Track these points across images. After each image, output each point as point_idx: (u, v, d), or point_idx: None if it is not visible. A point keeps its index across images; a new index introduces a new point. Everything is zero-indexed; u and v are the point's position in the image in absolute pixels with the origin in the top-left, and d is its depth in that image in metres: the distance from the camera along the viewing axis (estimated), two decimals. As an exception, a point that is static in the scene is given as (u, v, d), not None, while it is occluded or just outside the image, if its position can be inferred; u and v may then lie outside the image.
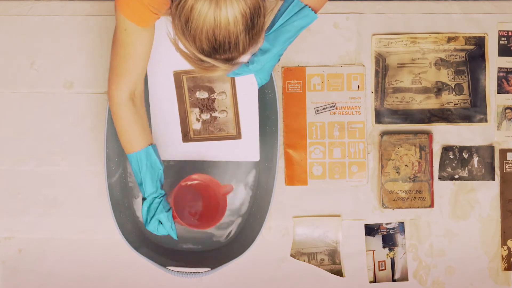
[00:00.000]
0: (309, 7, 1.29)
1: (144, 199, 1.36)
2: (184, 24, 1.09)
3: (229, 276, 1.53)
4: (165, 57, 1.38)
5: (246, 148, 1.45)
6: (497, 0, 1.55)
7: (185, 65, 1.38)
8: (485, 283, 1.54)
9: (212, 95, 1.42)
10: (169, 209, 1.36)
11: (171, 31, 1.14)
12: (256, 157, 1.46)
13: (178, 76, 1.40)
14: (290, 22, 1.29)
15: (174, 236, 1.37)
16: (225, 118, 1.45)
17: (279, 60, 1.34)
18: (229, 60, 1.13)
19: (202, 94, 1.42)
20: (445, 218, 1.54)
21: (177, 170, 1.51)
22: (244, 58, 1.15)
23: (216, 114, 1.44)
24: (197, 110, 1.44)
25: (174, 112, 1.44)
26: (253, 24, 1.10)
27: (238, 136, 1.44)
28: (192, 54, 1.13)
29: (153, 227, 1.35)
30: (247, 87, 1.39)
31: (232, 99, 1.42)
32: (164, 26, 1.35)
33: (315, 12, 1.30)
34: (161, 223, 1.36)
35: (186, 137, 1.46)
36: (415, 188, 1.52)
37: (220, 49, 1.10)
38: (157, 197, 1.35)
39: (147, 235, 1.53)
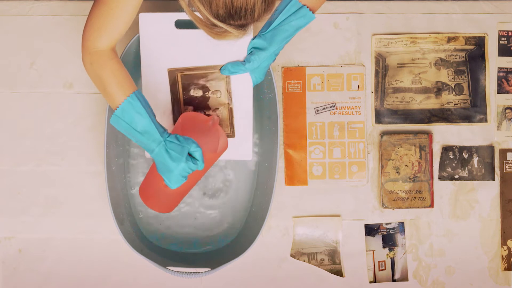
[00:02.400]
0: (307, 7, 1.29)
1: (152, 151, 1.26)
2: None
3: (229, 276, 1.53)
4: (160, 54, 1.37)
5: (239, 146, 1.44)
6: (497, 0, 1.55)
7: (180, 63, 1.39)
8: (485, 283, 1.54)
9: (207, 93, 1.42)
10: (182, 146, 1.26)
11: None
12: (249, 156, 1.44)
13: (172, 74, 1.40)
14: (288, 21, 1.29)
15: (201, 166, 1.26)
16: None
17: (274, 59, 1.34)
18: (242, 27, 1.13)
19: (196, 92, 1.42)
20: (445, 218, 1.54)
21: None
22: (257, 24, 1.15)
23: (210, 112, 1.43)
24: (191, 108, 1.43)
25: (167, 109, 1.44)
26: None
27: (231, 134, 1.44)
28: (206, 18, 1.12)
29: (182, 169, 1.25)
30: (242, 86, 1.39)
31: (226, 97, 1.42)
32: (159, 23, 1.35)
33: (313, 12, 1.30)
34: (192, 157, 1.26)
35: None
36: (415, 188, 1.52)
37: (236, 15, 1.10)
38: (167, 136, 1.26)
39: (147, 235, 1.53)
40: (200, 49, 1.37)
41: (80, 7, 1.54)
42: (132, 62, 1.43)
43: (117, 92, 1.25)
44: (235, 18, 1.11)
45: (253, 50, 1.33)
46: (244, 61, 1.34)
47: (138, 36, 1.39)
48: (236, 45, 1.34)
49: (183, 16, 1.35)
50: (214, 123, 1.33)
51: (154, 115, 1.27)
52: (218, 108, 1.42)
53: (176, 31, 1.36)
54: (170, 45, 1.37)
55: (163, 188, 1.32)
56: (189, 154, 1.27)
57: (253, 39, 1.32)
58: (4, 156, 1.54)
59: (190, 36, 1.36)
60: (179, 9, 1.39)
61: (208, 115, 1.42)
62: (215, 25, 1.13)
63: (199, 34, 1.35)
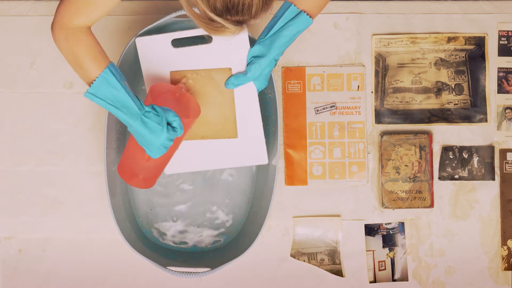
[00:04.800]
0: (305, 13, 1.29)
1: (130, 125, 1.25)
2: None
3: (229, 276, 1.53)
4: (162, 56, 1.38)
5: (254, 152, 1.44)
6: (497, 0, 1.55)
7: (183, 66, 1.39)
8: (485, 283, 1.54)
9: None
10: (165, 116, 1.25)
11: None
12: (265, 160, 1.44)
13: (175, 76, 1.40)
14: (286, 27, 1.30)
15: (179, 132, 1.26)
16: None
17: (275, 65, 1.34)
18: (240, 23, 1.13)
19: None
20: (445, 218, 1.54)
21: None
22: (256, 20, 1.14)
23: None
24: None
25: None
26: None
27: (234, 135, 1.43)
28: (203, 12, 1.12)
29: (164, 139, 1.24)
30: (247, 94, 1.39)
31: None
32: (156, 45, 1.36)
33: (312, 18, 1.30)
34: (172, 127, 1.26)
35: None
36: (415, 188, 1.52)
37: (233, 9, 1.10)
38: (147, 107, 1.25)
39: (147, 235, 1.53)
40: (200, 63, 1.37)
41: None
42: (132, 61, 1.43)
43: (92, 67, 1.22)
44: (232, 13, 1.10)
45: (253, 59, 1.33)
46: (245, 71, 1.34)
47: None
48: (235, 56, 1.34)
49: (179, 35, 1.36)
50: (183, 91, 1.33)
51: (130, 88, 1.25)
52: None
53: (174, 50, 1.37)
54: (170, 64, 1.38)
55: (143, 162, 1.30)
56: (168, 124, 1.26)
57: (251, 47, 1.32)
58: (4, 156, 1.54)
59: (188, 53, 1.36)
60: (177, 10, 1.39)
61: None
62: (212, 20, 1.13)
63: (197, 50, 1.36)
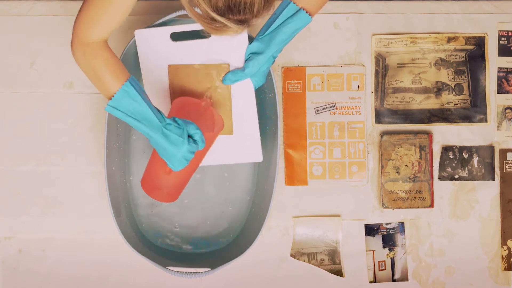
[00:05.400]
0: (303, 10, 1.29)
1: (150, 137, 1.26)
2: None
3: (229, 276, 1.53)
4: (161, 50, 1.38)
5: (249, 149, 1.44)
6: (497, 0, 1.55)
7: (181, 60, 1.39)
8: (485, 283, 1.54)
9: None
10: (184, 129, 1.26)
11: None
12: (259, 158, 1.44)
13: (172, 70, 1.40)
14: (285, 24, 1.30)
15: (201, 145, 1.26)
16: None
17: (273, 62, 1.34)
18: (242, 22, 1.13)
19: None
20: (445, 218, 1.54)
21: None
22: (257, 21, 1.14)
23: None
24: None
25: (167, 105, 1.44)
26: None
27: (229, 131, 1.43)
28: (205, 12, 1.12)
29: (185, 151, 1.25)
30: (244, 90, 1.39)
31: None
32: (155, 38, 1.36)
33: (311, 16, 1.30)
34: (193, 140, 1.26)
35: None
36: (415, 188, 1.52)
37: (234, 8, 1.09)
38: (168, 120, 1.25)
39: (147, 235, 1.53)
40: (199, 58, 1.37)
41: (79, 8, 1.54)
42: (132, 62, 1.43)
43: (111, 81, 1.24)
44: (234, 12, 1.10)
45: (251, 55, 1.33)
46: (243, 67, 1.34)
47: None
48: (233, 52, 1.34)
49: (178, 29, 1.36)
50: (207, 105, 1.33)
51: (150, 100, 1.26)
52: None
53: (172, 44, 1.37)
54: (168, 58, 1.38)
55: (165, 176, 1.31)
56: (189, 136, 1.27)
57: (250, 44, 1.32)
58: (4, 156, 1.54)
59: (186, 48, 1.36)
60: (177, 9, 1.39)
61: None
62: (214, 20, 1.12)
63: (195, 44, 1.36)
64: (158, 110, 1.26)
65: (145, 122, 1.24)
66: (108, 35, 1.26)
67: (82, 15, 1.23)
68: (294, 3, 1.29)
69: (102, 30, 1.24)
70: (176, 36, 1.37)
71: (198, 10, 1.14)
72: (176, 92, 1.41)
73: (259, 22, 1.17)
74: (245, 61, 1.35)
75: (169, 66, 1.40)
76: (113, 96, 1.24)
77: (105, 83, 1.24)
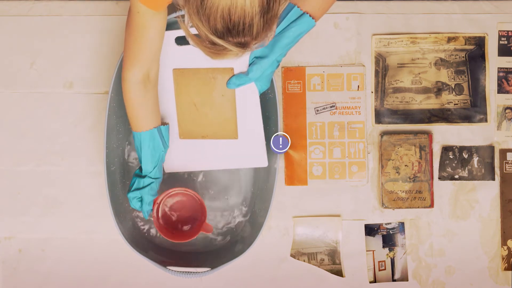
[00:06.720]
0: (307, 14, 1.29)
1: (140, 169, 1.40)
2: (200, 2, 1.08)
3: (229, 276, 1.53)
4: (165, 54, 1.38)
5: (254, 154, 1.44)
6: (497, 0, 1.55)
7: (185, 64, 1.39)
8: (485, 283, 1.54)
9: None
10: (154, 195, 1.40)
11: (186, 18, 1.13)
12: (265, 163, 1.45)
13: (177, 74, 1.41)
14: (289, 28, 1.30)
15: (145, 216, 1.42)
16: None
17: (278, 66, 1.34)
18: (241, 45, 1.13)
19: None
20: (445, 218, 1.54)
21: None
22: (256, 45, 1.14)
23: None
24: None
25: (172, 109, 1.44)
26: (269, 7, 1.08)
27: (234, 136, 1.44)
28: (204, 36, 1.11)
29: (133, 198, 1.40)
30: (248, 95, 1.39)
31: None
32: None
33: (315, 20, 1.30)
34: (141, 202, 1.40)
35: (184, 134, 1.46)
36: (415, 188, 1.52)
37: (233, 30, 1.09)
38: (151, 177, 1.38)
39: (147, 235, 1.53)
40: (203, 62, 1.37)
41: (80, 7, 1.54)
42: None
43: (132, 125, 1.38)
44: (233, 34, 1.09)
45: (255, 59, 1.33)
46: (247, 72, 1.35)
47: None
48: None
49: (183, 33, 1.35)
50: (202, 201, 1.47)
51: (163, 149, 1.39)
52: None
53: (177, 48, 1.37)
54: (173, 62, 1.39)
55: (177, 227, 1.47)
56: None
57: None
58: (4, 156, 1.54)
59: (191, 52, 1.36)
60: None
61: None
62: (214, 43, 1.12)
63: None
64: (156, 167, 1.39)
65: (140, 159, 1.39)
66: (147, 71, 1.32)
67: (123, 57, 1.32)
68: (298, 7, 1.29)
69: (139, 67, 1.31)
70: (180, 40, 1.37)
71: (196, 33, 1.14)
72: (181, 96, 1.41)
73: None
74: (249, 65, 1.35)
75: (174, 70, 1.40)
76: (136, 132, 1.37)
77: (130, 122, 1.38)
